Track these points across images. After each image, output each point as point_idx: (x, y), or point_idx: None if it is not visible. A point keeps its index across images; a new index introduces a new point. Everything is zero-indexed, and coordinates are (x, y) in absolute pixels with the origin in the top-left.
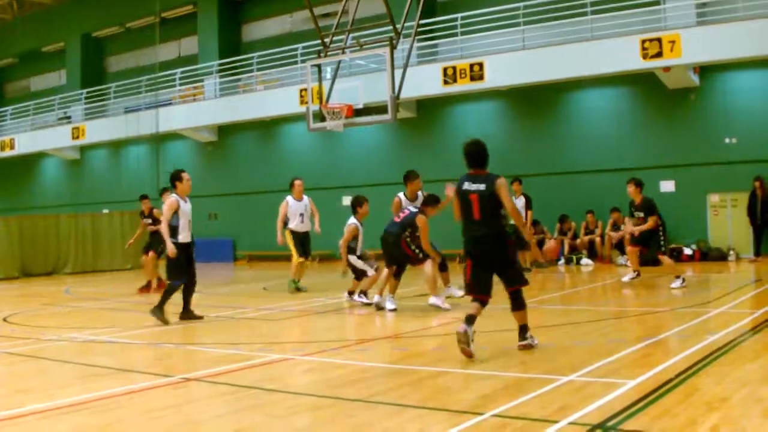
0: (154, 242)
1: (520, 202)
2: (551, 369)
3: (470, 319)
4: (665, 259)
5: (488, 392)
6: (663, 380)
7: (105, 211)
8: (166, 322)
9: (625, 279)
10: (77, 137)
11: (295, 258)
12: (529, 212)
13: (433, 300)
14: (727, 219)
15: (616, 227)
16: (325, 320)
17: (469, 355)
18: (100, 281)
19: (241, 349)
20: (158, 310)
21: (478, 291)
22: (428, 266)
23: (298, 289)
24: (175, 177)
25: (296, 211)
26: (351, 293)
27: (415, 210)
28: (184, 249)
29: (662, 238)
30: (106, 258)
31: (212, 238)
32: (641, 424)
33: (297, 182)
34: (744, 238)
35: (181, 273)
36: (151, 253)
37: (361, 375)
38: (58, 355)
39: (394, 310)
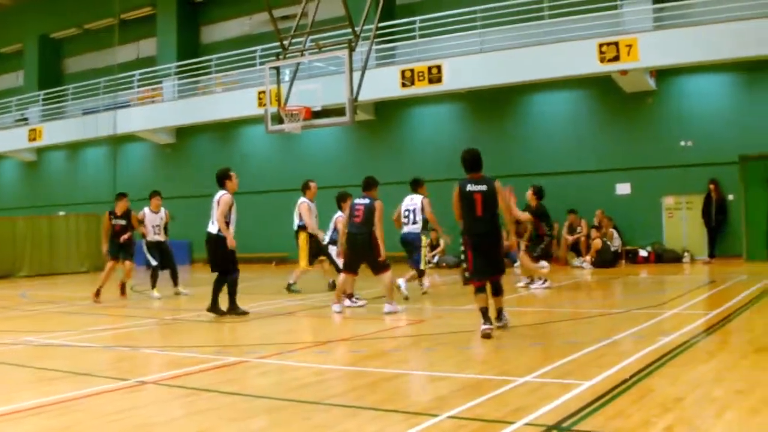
0: (127, 247)
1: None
2: (507, 370)
3: (486, 315)
4: (524, 259)
5: (444, 393)
6: (617, 381)
7: (62, 213)
8: (245, 313)
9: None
10: (34, 139)
11: (305, 265)
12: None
13: (388, 308)
14: (681, 221)
15: (571, 229)
16: (282, 323)
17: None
18: (56, 284)
19: (197, 352)
20: (233, 307)
21: (484, 275)
22: (388, 275)
23: (296, 291)
24: (225, 176)
25: (314, 213)
26: (350, 296)
27: (367, 200)
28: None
29: (542, 246)
30: (63, 260)
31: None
32: (596, 424)
33: (313, 184)
34: (699, 240)
35: (236, 264)
36: (128, 262)
37: (318, 377)
38: (14, 358)
39: (340, 312)
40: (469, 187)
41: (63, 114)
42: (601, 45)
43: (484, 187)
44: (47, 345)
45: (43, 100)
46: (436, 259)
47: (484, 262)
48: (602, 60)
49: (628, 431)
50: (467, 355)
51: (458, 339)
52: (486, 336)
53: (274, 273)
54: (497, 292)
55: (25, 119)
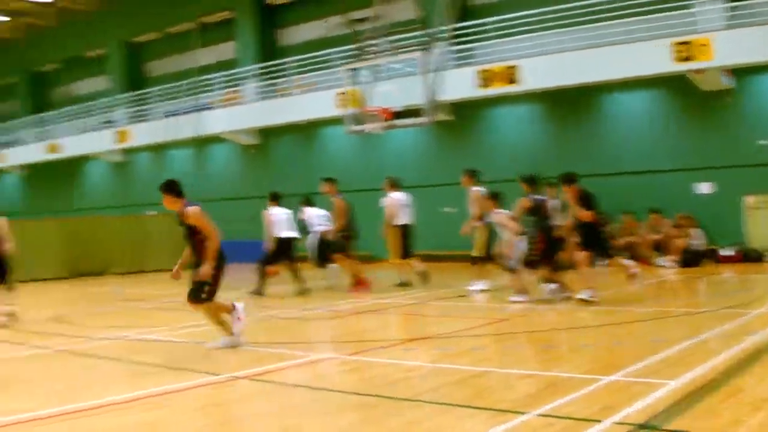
0: None
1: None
2: (594, 369)
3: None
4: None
5: (532, 392)
6: (705, 380)
7: (151, 212)
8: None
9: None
10: (121, 141)
11: (398, 259)
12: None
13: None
14: (763, 220)
15: (654, 229)
16: (370, 320)
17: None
18: (147, 281)
19: (288, 348)
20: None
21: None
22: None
23: (405, 284)
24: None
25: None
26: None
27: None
28: None
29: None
30: (152, 258)
31: (254, 240)
32: (685, 423)
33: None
34: None
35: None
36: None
37: (406, 374)
38: (108, 353)
39: None
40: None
41: (147, 116)
42: (674, 44)
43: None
44: (142, 340)
45: (128, 103)
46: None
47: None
48: (676, 59)
49: (717, 430)
50: (553, 354)
51: (543, 337)
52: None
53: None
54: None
55: (112, 122)
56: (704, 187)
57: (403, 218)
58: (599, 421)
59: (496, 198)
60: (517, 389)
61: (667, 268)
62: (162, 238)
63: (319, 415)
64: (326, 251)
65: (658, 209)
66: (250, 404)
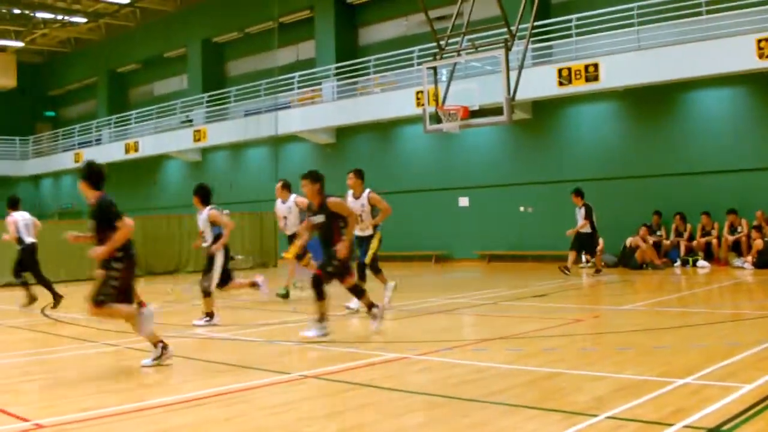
0: None
1: (582, 211)
2: (666, 371)
3: None
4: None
5: (602, 394)
6: None
7: (226, 211)
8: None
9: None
10: (199, 140)
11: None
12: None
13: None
14: None
15: (733, 229)
16: (441, 320)
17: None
18: None
19: (358, 347)
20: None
21: None
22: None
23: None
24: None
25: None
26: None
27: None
28: None
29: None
30: None
31: None
32: (758, 428)
33: None
34: None
35: None
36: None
37: (476, 375)
38: (180, 351)
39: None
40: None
41: (226, 115)
42: (759, 41)
43: None
44: (213, 338)
45: (207, 102)
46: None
47: None
48: (761, 56)
49: None
50: (625, 356)
51: (616, 339)
52: None
53: (433, 271)
54: None
55: (190, 121)
56: None
57: None
58: (670, 424)
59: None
60: (588, 391)
61: (745, 269)
62: (236, 237)
63: (386, 415)
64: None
65: (735, 210)
66: (318, 403)
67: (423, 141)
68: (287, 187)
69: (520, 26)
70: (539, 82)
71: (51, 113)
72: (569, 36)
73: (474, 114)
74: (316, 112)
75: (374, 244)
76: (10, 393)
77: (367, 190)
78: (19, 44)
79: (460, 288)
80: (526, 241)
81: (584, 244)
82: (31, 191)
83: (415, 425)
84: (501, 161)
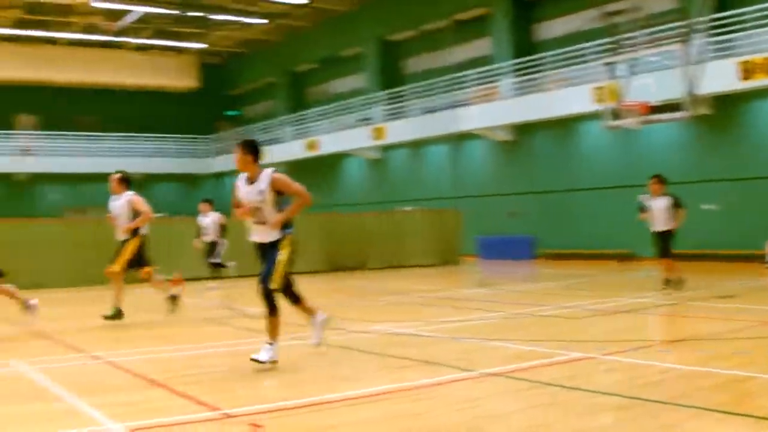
0: None
1: (664, 202)
2: None
3: None
4: None
5: None
6: None
7: (408, 208)
8: None
9: None
10: (377, 138)
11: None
12: (681, 211)
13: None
14: None
15: None
16: (624, 320)
17: None
18: (403, 276)
19: (540, 346)
20: None
21: None
22: None
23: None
24: None
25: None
26: None
27: None
28: None
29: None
30: (409, 254)
31: (511, 236)
32: None
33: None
34: None
35: None
36: None
37: (662, 376)
38: (366, 346)
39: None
40: None
41: (403, 113)
42: None
43: None
44: (397, 334)
45: (385, 100)
46: None
47: None
48: None
49: None
50: None
51: None
52: None
53: (615, 270)
54: None
55: (368, 119)
56: None
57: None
58: None
59: None
60: None
61: None
62: (417, 234)
63: (570, 415)
64: None
65: None
66: (502, 401)
67: (602, 137)
68: (125, 182)
69: (699, 19)
70: (720, 76)
71: (236, 112)
72: (749, 28)
73: (654, 110)
74: (494, 110)
75: (282, 257)
76: (202, 384)
77: (268, 170)
78: (201, 46)
79: (644, 287)
80: (710, 240)
81: None
82: (216, 188)
83: (601, 426)
84: (682, 158)
